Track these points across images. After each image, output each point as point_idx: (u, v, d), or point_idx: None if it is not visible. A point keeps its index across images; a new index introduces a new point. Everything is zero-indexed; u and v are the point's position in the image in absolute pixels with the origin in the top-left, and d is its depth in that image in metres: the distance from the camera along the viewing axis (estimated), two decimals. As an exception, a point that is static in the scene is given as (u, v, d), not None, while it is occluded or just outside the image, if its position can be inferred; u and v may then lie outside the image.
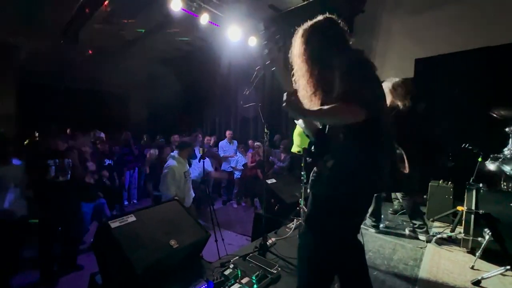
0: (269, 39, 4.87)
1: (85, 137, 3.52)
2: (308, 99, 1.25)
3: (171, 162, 3.03)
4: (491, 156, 2.36)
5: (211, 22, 4.72)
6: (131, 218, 1.79)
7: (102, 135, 3.59)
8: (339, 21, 1.32)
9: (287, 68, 1.43)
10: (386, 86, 2.54)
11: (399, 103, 2.40)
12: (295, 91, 1.26)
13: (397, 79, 2.50)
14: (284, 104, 1.16)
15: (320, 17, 1.32)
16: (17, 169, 2.61)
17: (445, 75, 4.06)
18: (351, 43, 1.31)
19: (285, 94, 1.17)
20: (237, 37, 4.89)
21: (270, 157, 5.31)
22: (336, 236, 1.21)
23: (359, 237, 1.42)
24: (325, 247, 1.22)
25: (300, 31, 1.32)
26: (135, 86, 8.46)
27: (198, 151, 3.32)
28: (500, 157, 2.24)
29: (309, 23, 1.32)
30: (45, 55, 5.97)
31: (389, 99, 2.48)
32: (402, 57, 4.55)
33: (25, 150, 3.12)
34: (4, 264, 2.46)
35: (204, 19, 4.49)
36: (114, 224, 1.69)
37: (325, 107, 1.10)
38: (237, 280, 1.66)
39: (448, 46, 4.09)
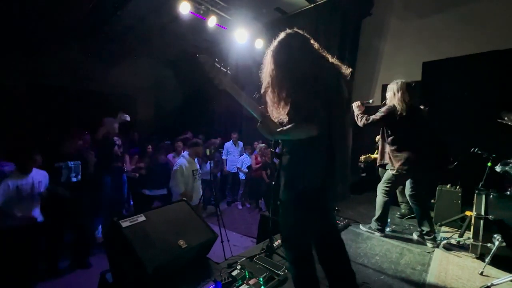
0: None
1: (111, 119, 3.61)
2: (277, 110, 1.41)
3: (181, 160, 3.14)
4: (502, 161, 2.33)
5: (219, 25, 4.78)
6: (141, 218, 1.83)
7: (128, 118, 3.59)
8: (301, 34, 1.42)
9: None
10: (391, 88, 2.55)
11: (398, 107, 2.43)
12: (266, 111, 1.43)
13: (399, 82, 2.52)
14: (257, 126, 1.38)
15: (282, 34, 1.43)
16: (40, 176, 2.70)
17: (453, 79, 4.03)
18: (317, 50, 1.41)
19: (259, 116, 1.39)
20: (244, 40, 4.94)
21: (275, 160, 5.32)
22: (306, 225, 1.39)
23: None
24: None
25: (268, 51, 1.45)
26: (141, 88, 8.56)
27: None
28: (510, 162, 2.22)
29: (274, 42, 1.44)
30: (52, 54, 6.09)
31: (392, 101, 2.51)
32: (409, 60, 4.53)
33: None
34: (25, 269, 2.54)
35: (212, 21, 4.55)
36: (124, 223, 1.72)
37: (285, 128, 1.31)
38: (245, 281, 1.68)
39: (456, 50, 4.06)
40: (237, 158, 5.82)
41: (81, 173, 2.99)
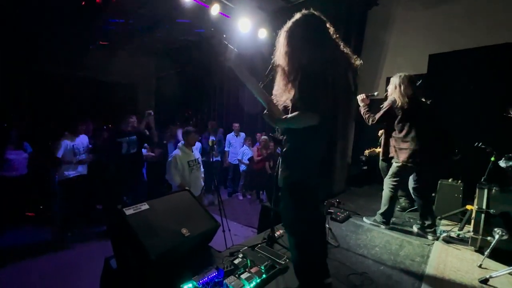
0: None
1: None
2: (284, 93, 1.40)
3: (175, 151, 3.12)
4: (506, 155, 2.32)
5: (222, 13, 4.68)
6: (144, 206, 1.85)
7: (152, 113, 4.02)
8: (318, 16, 1.38)
9: None
10: (393, 81, 2.54)
11: (398, 100, 2.44)
12: (272, 101, 1.42)
13: (402, 75, 2.51)
14: (263, 114, 1.40)
15: (298, 15, 1.39)
16: (84, 140, 3.70)
17: (459, 72, 3.97)
18: (330, 31, 1.38)
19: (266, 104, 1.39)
20: (247, 29, 4.84)
21: (278, 150, 5.31)
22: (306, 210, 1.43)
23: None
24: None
25: (282, 31, 1.41)
26: (142, 77, 8.48)
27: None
28: (514, 157, 2.21)
29: (290, 22, 1.40)
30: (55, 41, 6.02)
31: (393, 95, 2.51)
32: (415, 52, 4.45)
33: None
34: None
35: (214, 9, 4.44)
36: (128, 211, 1.74)
37: (290, 116, 1.32)
38: (247, 269, 1.70)
39: (463, 42, 3.98)
40: (238, 149, 5.82)
41: (137, 146, 3.72)
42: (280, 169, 1.44)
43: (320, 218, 1.59)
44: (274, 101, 1.44)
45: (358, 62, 1.43)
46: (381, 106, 2.58)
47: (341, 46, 1.40)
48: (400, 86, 2.44)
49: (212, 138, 3.76)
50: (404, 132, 2.47)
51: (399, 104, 2.43)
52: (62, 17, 5.20)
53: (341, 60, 1.36)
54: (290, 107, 1.38)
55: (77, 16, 5.22)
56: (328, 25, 1.39)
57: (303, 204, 1.40)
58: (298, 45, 1.33)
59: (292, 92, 1.34)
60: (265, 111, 1.39)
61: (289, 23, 1.39)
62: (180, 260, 1.82)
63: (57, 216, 3.58)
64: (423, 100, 2.52)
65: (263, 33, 5.05)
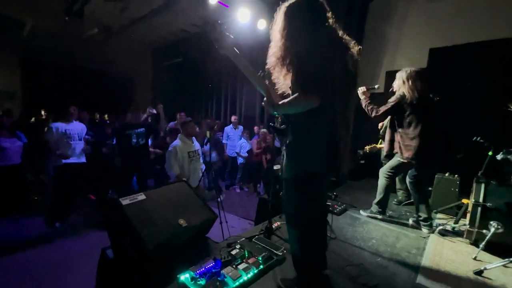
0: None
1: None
2: (283, 79, 1.37)
3: (175, 141, 3.09)
4: (504, 150, 2.32)
5: (220, 2, 4.58)
6: (141, 197, 1.82)
7: (154, 111, 4.07)
8: (318, 0, 1.34)
9: None
10: (400, 76, 2.49)
11: (407, 95, 2.39)
12: (259, 77, 1.39)
13: (409, 70, 2.46)
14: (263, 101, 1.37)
15: None
16: (79, 127, 3.61)
17: (460, 66, 3.94)
18: (330, 20, 1.34)
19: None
20: (246, 19, 4.75)
21: (277, 143, 5.29)
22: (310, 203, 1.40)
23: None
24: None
25: (282, 7, 1.36)
26: (139, 68, 8.35)
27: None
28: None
29: (289, 2, 1.35)
30: (50, 31, 5.87)
31: (402, 89, 2.46)
32: (416, 46, 4.41)
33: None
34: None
35: (213, -1, 4.35)
36: (125, 201, 1.72)
37: (286, 100, 1.28)
38: (244, 260, 1.70)
39: (465, 37, 3.94)
40: (236, 142, 5.79)
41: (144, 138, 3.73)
42: (284, 160, 1.40)
43: (324, 209, 1.57)
44: (274, 89, 1.41)
45: (357, 48, 1.40)
46: (389, 100, 2.50)
47: (340, 32, 1.36)
48: (408, 81, 2.38)
49: (206, 143, 3.76)
50: (411, 129, 2.41)
51: (409, 99, 2.37)
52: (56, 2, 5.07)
53: (340, 45, 1.32)
54: (290, 94, 1.34)
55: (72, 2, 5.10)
56: (327, 9, 1.35)
57: (309, 195, 1.37)
58: (296, 27, 1.29)
59: (289, 77, 1.30)
60: (264, 99, 1.35)
61: (288, 3, 1.34)
62: (177, 250, 1.81)
63: (48, 205, 3.56)
64: (431, 96, 2.48)
65: (262, 24, 4.97)
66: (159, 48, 8.22)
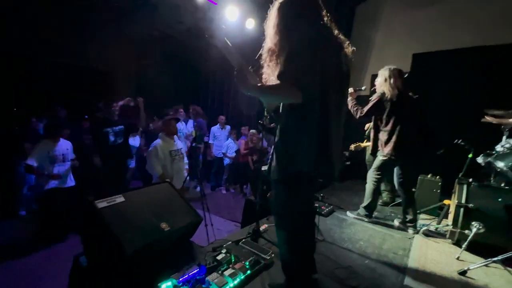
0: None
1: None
2: (271, 68, 1.30)
3: (156, 141, 2.95)
4: (484, 152, 2.40)
5: (208, 0, 4.47)
6: (120, 199, 1.69)
7: (132, 103, 3.82)
8: None
9: None
10: (382, 74, 2.54)
11: (387, 92, 2.45)
12: (246, 66, 1.30)
13: (392, 68, 2.51)
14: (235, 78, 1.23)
15: None
16: (66, 146, 3.24)
17: (441, 71, 4.09)
18: (325, 18, 1.31)
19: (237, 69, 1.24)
20: (234, 17, 4.67)
21: (265, 143, 5.24)
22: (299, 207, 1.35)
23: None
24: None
25: (276, 3, 1.32)
26: (122, 64, 8.01)
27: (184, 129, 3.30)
28: (492, 154, 2.29)
29: None
30: (23, 21, 5.48)
31: (382, 87, 2.51)
32: (400, 51, 4.53)
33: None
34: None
35: (201, -5, 4.24)
36: (101, 204, 1.58)
37: (267, 84, 1.20)
38: (230, 265, 1.62)
39: (446, 43, 4.10)
40: (223, 142, 5.68)
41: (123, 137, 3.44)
42: (273, 161, 1.33)
43: (313, 210, 1.52)
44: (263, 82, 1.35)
45: (350, 48, 1.37)
46: (370, 99, 2.57)
47: (335, 32, 1.33)
48: (390, 79, 2.43)
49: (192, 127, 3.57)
50: (390, 125, 2.48)
51: (389, 96, 2.43)
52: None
53: (334, 44, 1.29)
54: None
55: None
56: (321, 7, 1.31)
57: (298, 197, 1.32)
58: (290, 20, 1.25)
59: (277, 71, 1.23)
60: (234, 72, 1.23)
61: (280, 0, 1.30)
62: (159, 256, 1.70)
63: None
64: (410, 94, 2.53)
65: (251, 24, 4.91)
66: (144, 43, 7.93)
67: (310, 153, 1.21)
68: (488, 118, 2.47)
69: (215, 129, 5.78)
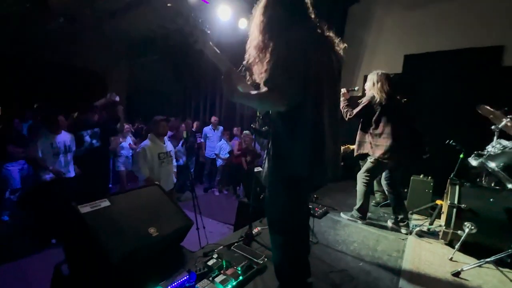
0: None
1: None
2: (258, 70, 1.25)
3: (145, 142, 2.86)
4: (475, 152, 2.42)
5: (201, -2, 4.40)
6: (105, 203, 1.61)
7: (117, 98, 3.71)
8: None
9: None
10: (371, 78, 2.57)
11: (376, 96, 2.49)
12: (234, 70, 1.25)
13: (379, 73, 2.56)
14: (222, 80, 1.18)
15: None
16: (67, 138, 3.14)
17: (432, 73, 4.13)
18: (312, 15, 1.28)
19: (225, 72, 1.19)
20: (227, 17, 4.61)
21: (258, 147, 5.20)
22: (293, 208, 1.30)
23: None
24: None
25: (260, 4, 1.27)
26: (113, 64, 7.83)
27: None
28: (483, 154, 2.30)
29: None
30: (11, 20, 5.28)
31: (372, 91, 2.55)
32: (392, 52, 4.57)
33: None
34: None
35: (193, -6, 4.16)
36: (84, 209, 1.50)
37: (253, 92, 1.15)
38: (222, 271, 1.56)
39: (437, 44, 4.15)
40: (216, 143, 5.61)
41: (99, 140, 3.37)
42: (267, 164, 1.29)
43: (307, 214, 1.48)
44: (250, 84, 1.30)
45: (342, 45, 1.34)
46: (359, 101, 2.59)
47: (324, 29, 1.29)
48: (378, 83, 2.50)
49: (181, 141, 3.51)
50: (380, 128, 2.50)
51: (378, 100, 2.48)
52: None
53: (323, 43, 1.25)
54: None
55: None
56: (308, 5, 1.27)
57: (292, 201, 1.27)
58: (274, 20, 1.19)
59: (263, 73, 1.18)
60: (221, 77, 1.18)
61: None
62: (146, 263, 1.62)
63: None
64: (398, 98, 2.56)
65: (243, 23, 4.86)
66: (135, 43, 7.78)
67: (303, 157, 1.17)
68: (487, 106, 2.49)
69: (207, 129, 5.71)
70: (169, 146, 2.99)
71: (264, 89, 1.14)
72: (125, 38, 7.33)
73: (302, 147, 1.16)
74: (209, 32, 1.25)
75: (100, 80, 7.73)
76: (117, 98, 3.64)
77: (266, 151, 1.33)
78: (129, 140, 4.63)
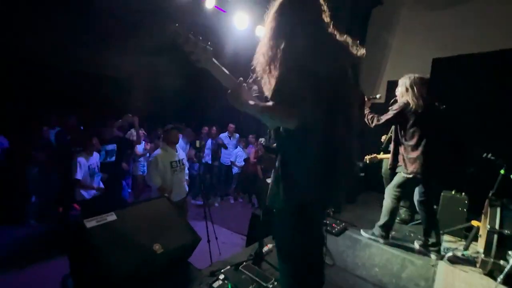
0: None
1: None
2: (268, 78, 1.14)
3: (157, 151, 2.86)
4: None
5: (217, 7, 4.44)
6: (111, 217, 1.59)
7: (136, 120, 3.87)
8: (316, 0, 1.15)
9: None
10: (403, 83, 2.31)
11: (411, 103, 2.20)
12: (240, 84, 1.12)
13: (413, 76, 2.28)
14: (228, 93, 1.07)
15: None
16: (97, 158, 3.38)
17: (464, 78, 3.77)
18: (326, 19, 1.16)
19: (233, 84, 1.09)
20: (244, 25, 4.60)
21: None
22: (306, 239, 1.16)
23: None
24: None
25: (274, 6, 1.16)
26: (134, 72, 8.16)
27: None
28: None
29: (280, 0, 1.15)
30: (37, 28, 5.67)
31: (405, 97, 2.27)
32: (419, 56, 4.26)
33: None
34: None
35: (209, 3, 4.21)
36: (90, 223, 1.48)
37: (264, 104, 1.05)
38: (227, 295, 1.46)
39: (469, 47, 3.80)
40: (231, 151, 5.57)
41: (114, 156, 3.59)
42: (275, 187, 1.15)
43: (321, 241, 1.33)
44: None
45: (362, 50, 1.20)
46: (390, 108, 2.33)
47: (337, 36, 1.17)
48: (412, 88, 2.20)
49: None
50: (415, 140, 2.22)
51: (413, 107, 2.19)
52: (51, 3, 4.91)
53: (338, 50, 1.12)
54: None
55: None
56: (324, 12, 1.16)
57: (307, 227, 1.14)
58: (285, 27, 1.09)
59: (272, 84, 1.08)
60: (228, 91, 1.08)
61: (279, 1, 1.14)
62: (150, 280, 1.57)
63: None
64: (437, 104, 2.29)
65: (261, 31, 4.82)
66: (156, 52, 8.08)
67: (312, 179, 1.04)
68: None
69: (223, 136, 5.69)
70: (181, 154, 2.98)
71: (271, 102, 1.04)
72: (145, 47, 7.61)
73: (312, 169, 1.04)
74: (211, 49, 1.17)
75: (123, 87, 8.08)
76: (136, 120, 3.77)
77: (273, 171, 1.21)
78: (143, 145, 4.72)
